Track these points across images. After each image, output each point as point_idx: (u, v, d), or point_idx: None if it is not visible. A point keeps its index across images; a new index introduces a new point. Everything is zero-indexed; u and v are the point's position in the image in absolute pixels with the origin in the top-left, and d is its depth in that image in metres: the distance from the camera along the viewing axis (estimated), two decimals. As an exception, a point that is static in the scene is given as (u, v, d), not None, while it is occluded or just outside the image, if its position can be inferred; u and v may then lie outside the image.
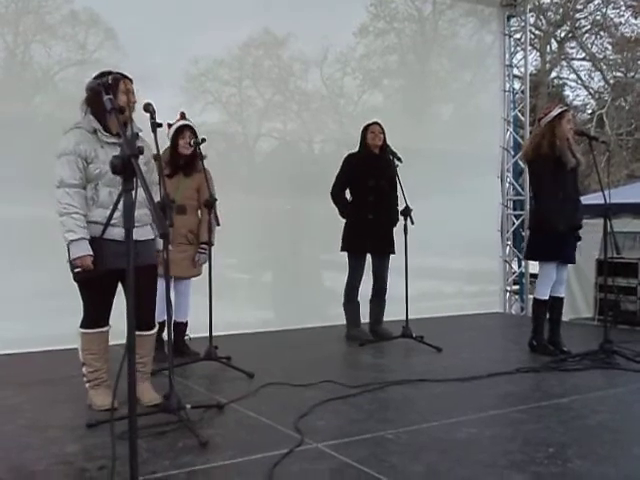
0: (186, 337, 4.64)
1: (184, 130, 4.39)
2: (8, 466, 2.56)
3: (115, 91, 3.02)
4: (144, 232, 3.26)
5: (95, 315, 3.29)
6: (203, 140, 4.23)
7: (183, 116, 4.50)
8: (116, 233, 3.06)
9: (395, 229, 5.36)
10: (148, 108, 3.16)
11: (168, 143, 4.44)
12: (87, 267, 3.10)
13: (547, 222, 4.70)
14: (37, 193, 4.89)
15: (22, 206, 4.98)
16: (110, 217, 3.03)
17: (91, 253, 3.11)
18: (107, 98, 1.99)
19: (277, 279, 6.58)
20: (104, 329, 3.31)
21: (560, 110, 4.76)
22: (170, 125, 4.45)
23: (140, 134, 3.31)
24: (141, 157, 3.03)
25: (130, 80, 3.26)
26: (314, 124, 7.05)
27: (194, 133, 4.43)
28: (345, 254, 5.45)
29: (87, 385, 3.37)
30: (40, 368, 4.36)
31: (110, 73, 3.10)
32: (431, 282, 6.76)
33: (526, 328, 5.11)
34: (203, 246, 4.43)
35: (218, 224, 4.16)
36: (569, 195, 4.71)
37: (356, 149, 5.50)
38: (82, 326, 3.32)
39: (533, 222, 4.99)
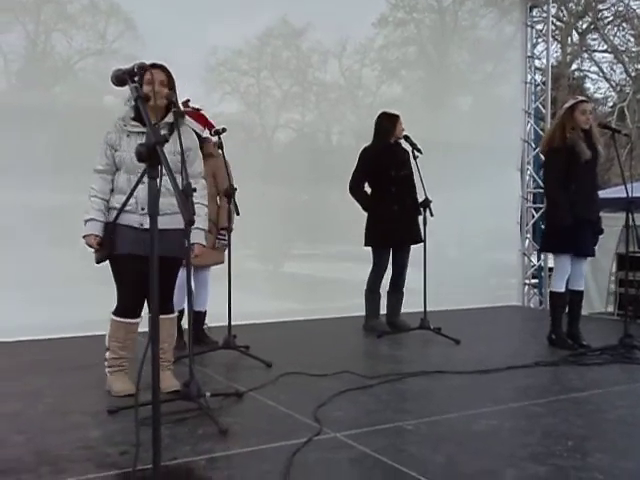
0: (205, 326, 4.67)
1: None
2: (32, 450, 2.60)
3: (142, 80, 3.09)
4: (167, 221, 3.17)
5: (125, 303, 3.33)
6: (224, 130, 4.24)
7: (187, 104, 4.49)
8: (132, 219, 3.14)
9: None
10: (171, 98, 3.18)
11: None
12: (91, 246, 3.25)
13: (555, 214, 4.70)
14: (59, 180, 4.97)
15: (44, 193, 5.04)
16: (125, 203, 3.17)
17: (97, 233, 3.23)
18: (133, 86, 2.00)
19: (294, 269, 6.60)
20: (133, 321, 3.34)
21: (573, 101, 4.73)
22: (184, 113, 4.40)
23: (186, 125, 3.42)
24: (176, 147, 3.14)
25: (162, 69, 3.30)
26: (332, 115, 7.04)
27: (206, 120, 4.44)
28: (368, 248, 5.41)
29: (107, 370, 3.42)
30: (63, 354, 4.43)
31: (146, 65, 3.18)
32: (450, 274, 6.74)
33: (545, 322, 5.08)
34: (222, 232, 4.44)
35: (238, 213, 4.18)
36: (583, 187, 4.64)
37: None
38: (114, 312, 3.37)
39: (547, 215, 4.97)
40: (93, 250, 3.30)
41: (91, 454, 2.56)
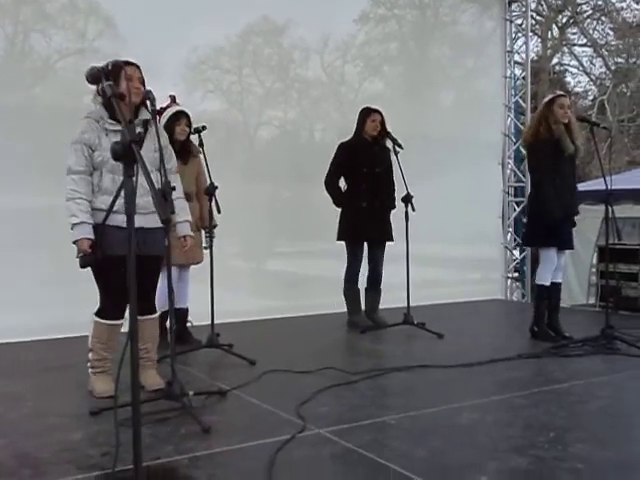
0: (188, 324, 4.65)
1: (180, 117, 4.38)
2: (13, 453, 2.58)
3: (117, 78, 3.04)
4: (151, 220, 3.17)
5: (108, 305, 3.29)
6: (204, 127, 4.22)
7: (174, 100, 4.47)
8: (119, 220, 3.09)
9: (396, 216, 5.34)
10: (148, 96, 3.16)
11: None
12: (85, 251, 3.15)
13: (544, 208, 4.69)
14: (39, 182, 4.92)
15: (24, 195, 4.98)
16: (113, 204, 3.11)
17: (89, 237, 3.16)
18: (107, 84, 1.98)
19: (277, 267, 6.59)
20: (116, 322, 3.31)
21: (552, 96, 4.77)
22: (162, 110, 4.39)
23: (158, 123, 3.36)
24: (154, 144, 3.13)
25: (136, 67, 3.28)
26: (315, 112, 7.03)
27: (189, 119, 4.43)
28: (343, 243, 5.43)
29: (90, 371, 3.40)
30: (44, 356, 4.39)
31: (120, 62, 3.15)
32: (432, 269, 6.76)
33: (527, 314, 5.12)
34: (211, 230, 4.41)
35: (219, 212, 4.17)
36: (566, 181, 4.69)
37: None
38: (96, 314, 3.34)
39: (531, 208, 4.98)
40: (79, 255, 3.21)
41: (72, 456, 2.54)
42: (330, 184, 5.38)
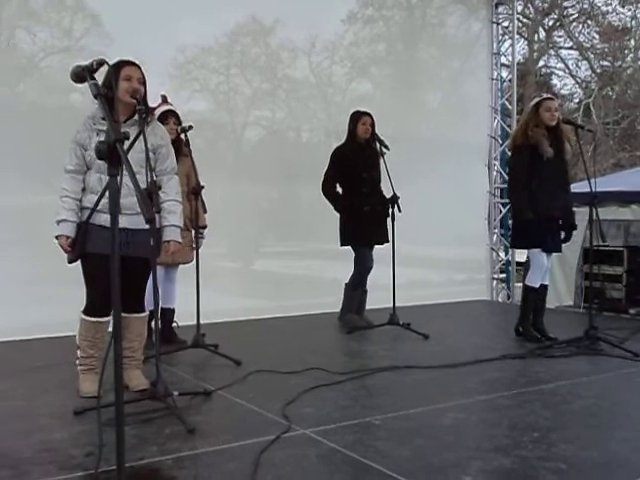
0: (174, 324, 4.64)
1: (168, 116, 4.36)
2: (-5, 453, 2.56)
3: (116, 77, 3.11)
4: (137, 221, 3.13)
5: (94, 302, 3.29)
6: (190, 127, 4.21)
7: (165, 99, 4.46)
8: (103, 219, 3.11)
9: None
10: (135, 95, 3.15)
11: None
12: (63, 247, 3.21)
13: (515, 209, 4.82)
14: (25, 179, 4.89)
15: (8, 193, 4.94)
16: (97, 203, 3.13)
17: (68, 234, 3.19)
18: (91, 83, 1.97)
19: (265, 267, 6.59)
20: (102, 319, 3.30)
21: (539, 99, 4.81)
22: (153, 109, 4.37)
23: (156, 122, 3.44)
24: (149, 144, 3.13)
25: (137, 67, 3.29)
26: (302, 112, 7.03)
27: (178, 118, 4.41)
28: (337, 245, 5.40)
29: (78, 369, 3.39)
30: (30, 356, 4.36)
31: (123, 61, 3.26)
32: (418, 270, 6.78)
33: (512, 315, 5.15)
34: (202, 231, 4.40)
35: (205, 211, 4.17)
36: (547, 185, 4.69)
37: (344, 138, 5.46)
38: (83, 311, 3.34)
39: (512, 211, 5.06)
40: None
41: (55, 456, 2.52)
42: (329, 190, 5.37)
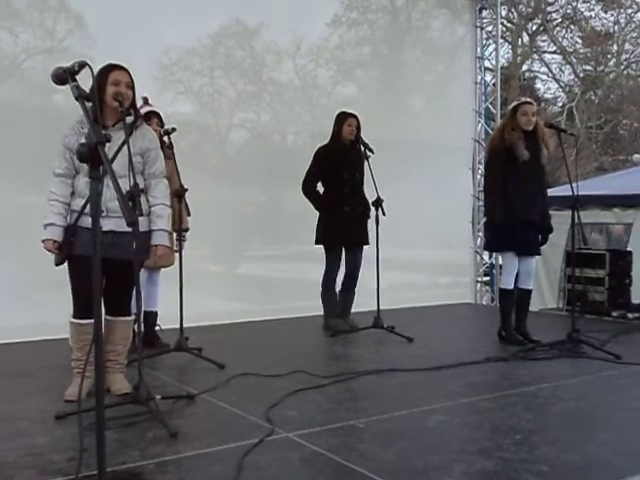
0: (157, 328, 4.61)
1: (151, 117, 4.34)
2: (-26, 459, 2.53)
3: (104, 82, 3.16)
4: (123, 224, 3.14)
5: (79, 304, 3.28)
6: (174, 129, 4.20)
7: (146, 101, 4.44)
8: (90, 222, 3.08)
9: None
10: (117, 97, 3.14)
11: None
12: (50, 251, 3.20)
13: (486, 211, 4.93)
14: (6, 182, 4.84)
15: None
16: (84, 206, 3.14)
17: (55, 238, 3.19)
18: (73, 85, 1.96)
19: (249, 270, 6.57)
20: (88, 322, 3.26)
21: (516, 103, 4.86)
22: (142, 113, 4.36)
23: (145, 126, 3.44)
24: (136, 148, 3.14)
25: (125, 71, 3.29)
26: (287, 115, 7.03)
27: (161, 120, 4.40)
28: (320, 246, 5.42)
29: (74, 371, 3.38)
30: (13, 359, 4.32)
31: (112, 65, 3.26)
32: (403, 273, 6.81)
33: (496, 318, 5.17)
34: (184, 234, 4.39)
35: (189, 214, 4.15)
36: (523, 188, 4.71)
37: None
38: (72, 314, 3.33)
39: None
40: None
41: (37, 461, 2.50)
42: (309, 190, 5.38)
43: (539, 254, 5.07)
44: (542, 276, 7.52)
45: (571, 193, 4.58)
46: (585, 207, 6.24)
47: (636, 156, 13.83)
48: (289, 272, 6.56)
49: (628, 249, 7.21)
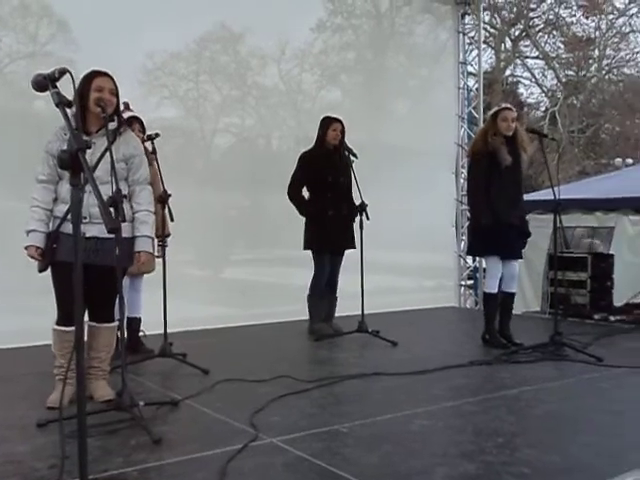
0: (141, 334, 4.59)
1: (132, 122, 4.32)
2: (-45, 467, 2.51)
3: (88, 87, 3.17)
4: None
5: (63, 310, 3.26)
6: (157, 135, 4.19)
7: (127, 106, 4.42)
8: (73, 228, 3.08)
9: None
10: (99, 103, 3.14)
11: None
12: (32, 257, 3.19)
13: (474, 215, 4.96)
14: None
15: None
16: (67, 212, 3.13)
17: (38, 245, 3.18)
18: (54, 92, 1.95)
19: (234, 275, 6.56)
20: (68, 329, 3.25)
21: (497, 109, 4.92)
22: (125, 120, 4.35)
23: (129, 132, 3.45)
24: (120, 155, 3.13)
25: (109, 77, 3.28)
26: (272, 120, 7.04)
27: (142, 125, 4.39)
28: (307, 253, 5.41)
29: (56, 378, 3.35)
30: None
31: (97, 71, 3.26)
32: (387, 277, 6.82)
33: (480, 322, 5.20)
34: (166, 239, 4.36)
35: (172, 220, 4.14)
36: (505, 192, 4.76)
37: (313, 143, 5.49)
38: (56, 321, 3.31)
39: (470, 218, 5.17)
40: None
41: (18, 468, 2.48)
42: (294, 195, 5.38)
43: (521, 257, 5.12)
44: (525, 279, 7.58)
45: (553, 197, 4.64)
46: (567, 211, 6.31)
47: (618, 160, 14.01)
48: (274, 276, 6.56)
49: (610, 252, 7.29)
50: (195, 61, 6.38)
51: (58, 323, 3.29)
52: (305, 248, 5.40)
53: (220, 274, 6.60)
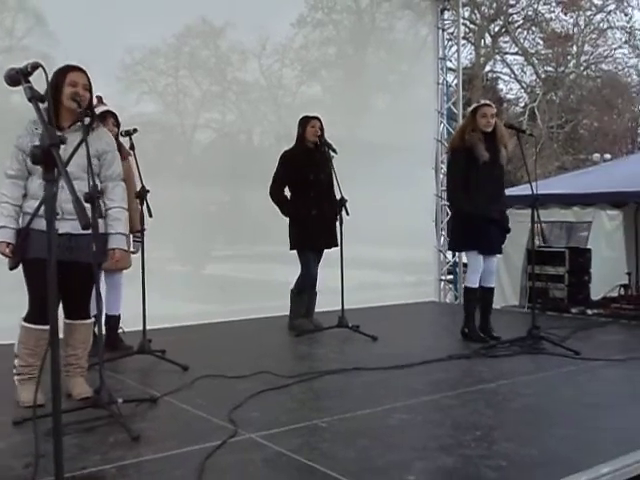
0: (119, 330, 4.56)
1: (107, 116, 4.28)
2: None
3: (61, 83, 3.13)
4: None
5: (35, 308, 3.20)
6: (135, 130, 4.15)
7: (100, 100, 4.37)
8: (45, 224, 3.02)
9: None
10: (75, 97, 3.11)
11: None
12: (4, 254, 3.14)
13: (457, 208, 5.02)
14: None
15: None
16: (38, 208, 3.07)
17: (8, 241, 3.13)
18: (26, 86, 1.93)
19: (214, 271, 6.54)
20: (44, 327, 3.21)
21: (476, 105, 4.97)
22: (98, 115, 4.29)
23: (102, 128, 3.41)
24: (94, 150, 3.11)
25: (83, 72, 3.25)
26: (253, 115, 7.02)
27: (117, 119, 4.35)
28: (287, 249, 5.41)
29: (15, 378, 3.28)
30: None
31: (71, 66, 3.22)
32: (367, 272, 6.84)
33: (459, 316, 5.23)
34: (137, 234, 4.33)
35: (150, 215, 4.11)
36: (484, 188, 4.78)
37: (294, 141, 5.48)
38: (24, 318, 3.24)
39: (451, 214, 5.20)
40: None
41: (-7, 467, 2.46)
42: (276, 195, 5.37)
43: (501, 252, 5.17)
44: (504, 274, 7.64)
45: (531, 192, 4.67)
46: (545, 206, 6.37)
47: (596, 155, 14.16)
48: (254, 272, 6.54)
49: (587, 246, 7.38)
50: (175, 56, 6.34)
51: (28, 320, 3.22)
52: (292, 249, 5.40)
53: (201, 270, 6.58)
